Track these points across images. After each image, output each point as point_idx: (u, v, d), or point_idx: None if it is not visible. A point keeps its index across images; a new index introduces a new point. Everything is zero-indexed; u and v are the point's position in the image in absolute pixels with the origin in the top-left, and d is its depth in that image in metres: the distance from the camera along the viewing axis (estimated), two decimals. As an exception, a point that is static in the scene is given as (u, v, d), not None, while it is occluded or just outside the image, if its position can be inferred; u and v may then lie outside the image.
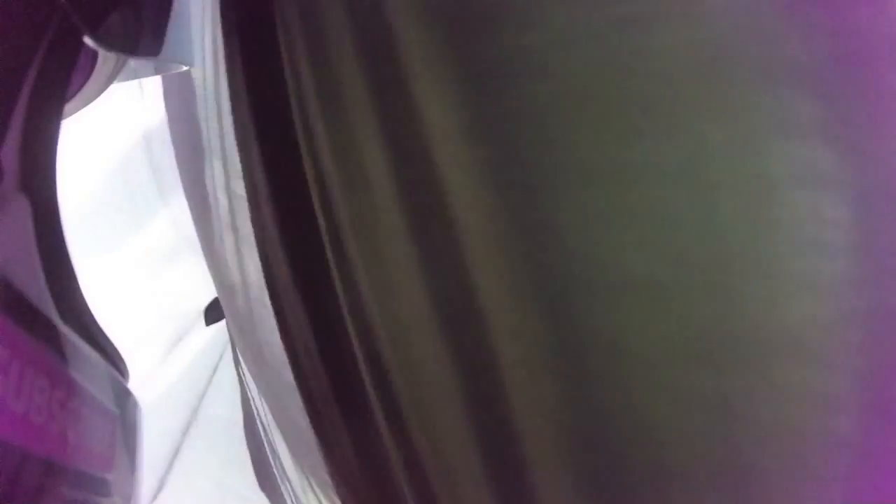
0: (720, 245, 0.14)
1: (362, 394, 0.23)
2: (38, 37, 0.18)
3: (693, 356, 0.14)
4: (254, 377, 0.32)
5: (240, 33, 0.24)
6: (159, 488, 0.56)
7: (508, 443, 0.16)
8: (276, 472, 0.28)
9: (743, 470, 0.14)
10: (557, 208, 0.14)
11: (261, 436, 0.38)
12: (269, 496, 0.47)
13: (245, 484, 0.49)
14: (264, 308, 0.26)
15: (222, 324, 0.53)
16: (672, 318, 0.14)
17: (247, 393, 0.47)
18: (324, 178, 0.21)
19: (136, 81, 0.26)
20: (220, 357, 0.60)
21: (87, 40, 0.20)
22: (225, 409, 0.58)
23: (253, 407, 0.39)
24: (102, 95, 0.24)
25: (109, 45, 0.21)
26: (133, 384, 0.19)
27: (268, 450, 0.29)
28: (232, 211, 0.28)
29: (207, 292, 0.52)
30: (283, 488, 0.28)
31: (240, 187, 0.26)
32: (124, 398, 0.18)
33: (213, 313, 0.52)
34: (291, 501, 0.28)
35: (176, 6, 0.24)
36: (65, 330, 0.16)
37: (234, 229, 0.28)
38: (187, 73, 0.32)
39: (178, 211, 0.52)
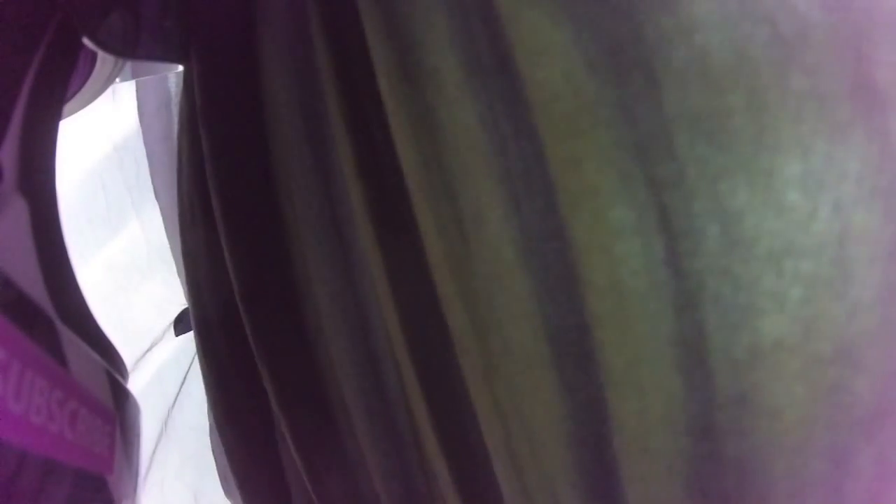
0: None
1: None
2: (37, 37, 0.18)
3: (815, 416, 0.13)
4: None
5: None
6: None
7: (612, 487, 0.15)
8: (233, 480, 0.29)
9: None
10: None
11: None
12: (234, 501, 0.47)
13: (218, 491, 0.49)
14: None
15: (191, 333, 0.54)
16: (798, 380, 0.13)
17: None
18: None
19: (109, 92, 0.27)
20: (190, 366, 0.60)
21: (86, 42, 0.20)
22: (195, 416, 0.58)
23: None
24: (75, 113, 0.24)
25: (108, 46, 0.21)
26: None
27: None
28: None
29: (180, 304, 0.52)
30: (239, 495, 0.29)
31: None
32: (123, 399, 0.18)
33: (182, 324, 0.52)
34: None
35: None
36: (64, 330, 0.16)
37: None
38: (164, 84, 0.32)
39: (151, 223, 0.52)
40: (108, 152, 0.53)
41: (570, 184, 0.14)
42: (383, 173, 0.18)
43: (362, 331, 0.20)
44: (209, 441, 0.51)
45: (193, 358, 0.60)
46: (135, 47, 0.22)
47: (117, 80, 0.24)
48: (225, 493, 0.49)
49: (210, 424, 0.50)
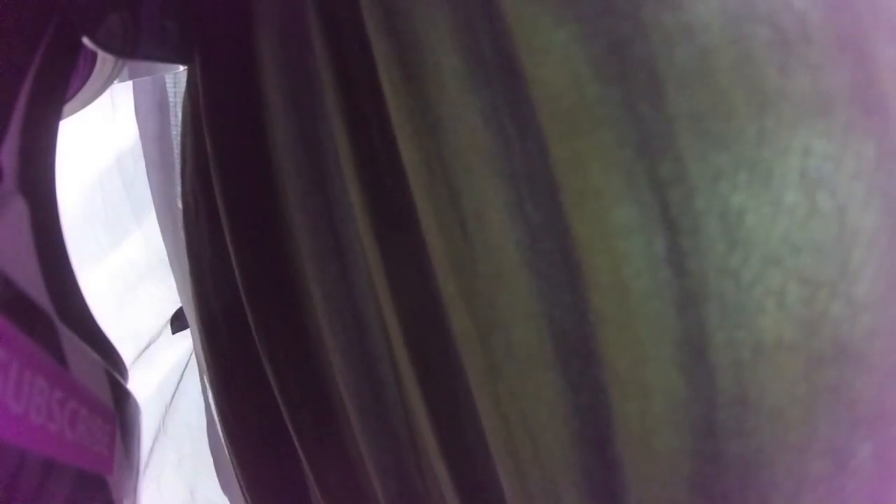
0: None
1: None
2: (37, 37, 0.18)
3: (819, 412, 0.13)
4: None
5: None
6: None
7: (614, 487, 0.15)
8: (235, 473, 0.29)
9: None
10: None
11: (221, 439, 0.39)
12: (231, 498, 0.47)
13: (214, 489, 0.49)
14: None
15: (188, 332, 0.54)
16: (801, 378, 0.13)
17: (208, 398, 0.48)
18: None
19: (108, 100, 0.27)
20: (186, 365, 0.60)
21: (86, 42, 0.20)
22: (192, 414, 0.58)
23: (213, 411, 0.39)
24: (75, 113, 0.24)
25: (108, 46, 0.21)
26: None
27: (227, 453, 0.29)
28: None
29: (177, 302, 0.52)
30: (240, 490, 0.29)
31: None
32: (124, 398, 0.18)
33: (178, 322, 0.52)
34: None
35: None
36: (64, 330, 0.16)
37: None
38: (159, 84, 0.33)
39: (149, 223, 0.52)
40: (108, 154, 0.53)
41: (573, 183, 0.14)
42: (382, 172, 0.18)
43: (358, 330, 0.20)
44: (205, 438, 0.51)
45: (190, 356, 0.60)
46: (135, 47, 0.22)
47: (115, 80, 0.24)
48: (222, 488, 0.49)
49: (207, 422, 0.50)
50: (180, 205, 0.30)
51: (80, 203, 0.54)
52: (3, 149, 0.16)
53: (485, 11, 0.14)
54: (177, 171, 0.33)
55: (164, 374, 0.60)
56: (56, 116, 0.19)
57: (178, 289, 0.36)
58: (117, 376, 0.18)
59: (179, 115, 0.31)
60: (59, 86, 0.20)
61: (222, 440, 0.31)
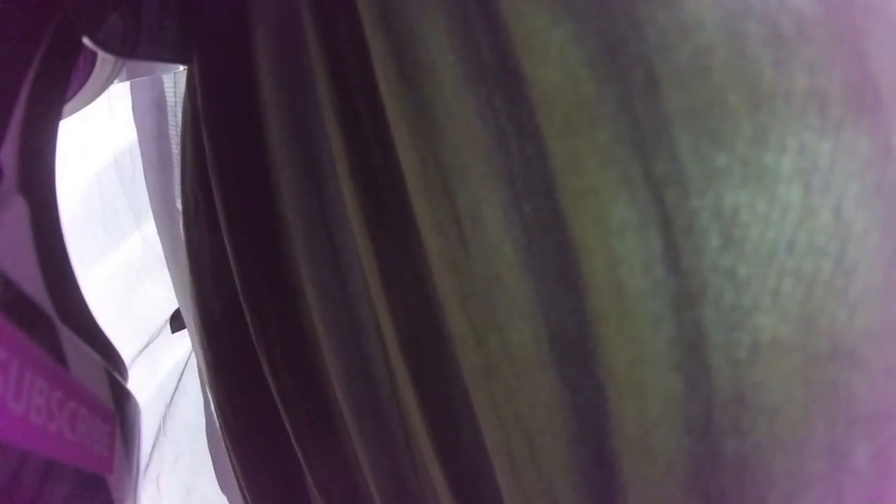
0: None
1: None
2: (37, 37, 0.18)
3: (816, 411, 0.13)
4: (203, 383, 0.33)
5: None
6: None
7: (611, 488, 0.15)
8: (234, 472, 0.29)
9: None
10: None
11: (220, 438, 0.39)
12: (229, 497, 0.47)
13: (212, 488, 0.49)
14: None
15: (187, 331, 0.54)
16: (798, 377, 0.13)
17: (207, 397, 0.48)
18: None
19: (105, 100, 0.27)
20: (185, 364, 0.60)
21: (86, 42, 0.20)
22: (190, 414, 0.58)
23: (212, 410, 0.40)
24: (75, 113, 0.24)
25: (108, 46, 0.21)
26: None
27: (226, 451, 0.29)
28: None
29: (176, 302, 0.52)
30: (239, 489, 0.29)
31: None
32: (124, 398, 0.18)
33: (177, 321, 0.52)
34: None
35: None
36: (64, 330, 0.16)
37: None
38: (156, 83, 0.33)
39: (147, 222, 0.52)
40: (106, 154, 0.53)
41: (570, 182, 0.14)
42: (377, 172, 0.18)
43: (353, 331, 0.20)
44: (204, 438, 0.51)
45: (190, 355, 0.60)
46: (135, 47, 0.22)
47: (115, 80, 0.24)
48: (220, 488, 0.49)
49: (206, 422, 0.50)
50: (179, 205, 0.30)
51: (79, 203, 0.54)
52: (3, 149, 0.16)
53: (482, 9, 0.14)
54: (175, 172, 0.33)
55: (164, 374, 0.60)
56: (56, 116, 0.19)
57: (175, 289, 0.36)
58: (117, 376, 0.18)
59: (179, 115, 0.31)
60: (59, 86, 0.20)
61: (221, 439, 0.31)
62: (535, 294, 0.14)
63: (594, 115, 0.13)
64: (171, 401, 0.60)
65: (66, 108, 0.21)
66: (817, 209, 0.13)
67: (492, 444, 0.16)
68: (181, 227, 0.29)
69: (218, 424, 0.30)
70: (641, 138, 0.13)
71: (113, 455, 0.16)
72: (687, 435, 0.14)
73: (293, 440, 0.24)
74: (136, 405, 0.19)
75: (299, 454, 0.24)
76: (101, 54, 0.21)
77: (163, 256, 0.38)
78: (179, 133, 0.30)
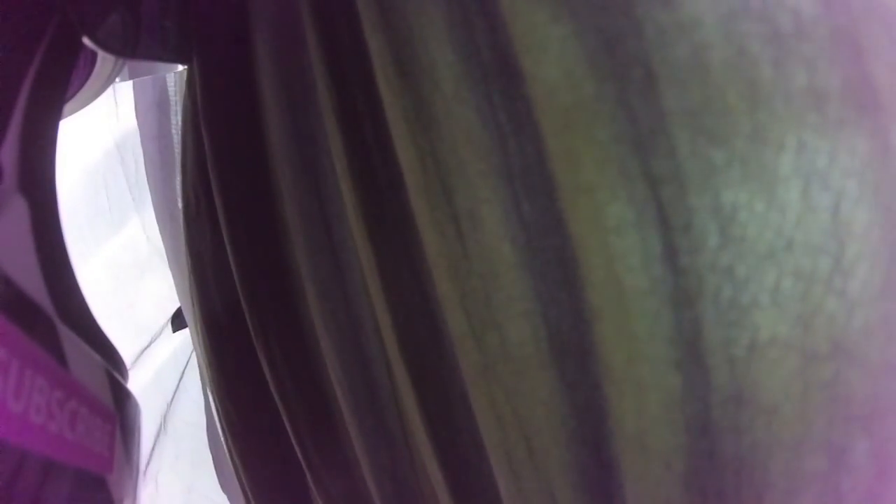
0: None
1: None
2: (37, 37, 0.18)
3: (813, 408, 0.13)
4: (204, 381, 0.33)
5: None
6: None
7: (610, 486, 0.15)
8: (236, 467, 0.29)
9: None
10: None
11: (220, 437, 0.39)
12: (229, 496, 0.47)
13: (213, 486, 0.49)
14: None
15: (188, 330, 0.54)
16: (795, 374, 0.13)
17: (208, 396, 0.48)
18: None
19: (110, 94, 0.27)
20: (187, 363, 0.61)
21: (86, 42, 0.20)
22: (191, 412, 0.58)
23: (213, 409, 0.40)
24: (76, 112, 0.24)
25: (108, 46, 0.21)
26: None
27: (228, 449, 0.29)
28: None
29: (178, 301, 0.52)
30: (241, 487, 0.29)
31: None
32: (124, 398, 0.18)
33: (179, 320, 0.52)
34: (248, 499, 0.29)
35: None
36: (64, 329, 0.16)
37: None
38: (159, 82, 0.33)
39: (151, 220, 0.52)
40: (110, 150, 0.53)
41: (568, 179, 0.14)
42: (375, 170, 0.18)
43: (352, 329, 0.20)
44: (205, 437, 0.51)
45: (191, 354, 0.60)
46: (135, 47, 0.22)
47: (116, 79, 0.24)
48: (221, 486, 0.49)
49: (207, 422, 0.50)
50: (180, 203, 0.30)
51: (82, 199, 0.54)
52: (3, 149, 0.16)
53: (481, 7, 0.14)
54: (177, 170, 0.33)
55: (166, 372, 0.60)
56: (56, 116, 0.19)
57: (177, 287, 0.36)
58: (117, 376, 0.18)
59: (178, 112, 0.31)
60: (60, 86, 0.20)
61: (222, 436, 0.31)
62: (533, 292, 0.14)
63: (592, 112, 0.13)
64: (172, 399, 0.60)
65: (66, 107, 0.21)
66: (816, 207, 0.13)
67: (490, 443, 0.16)
68: (181, 224, 0.29)
69: (219, 423, 0.30)
70: (639, 136, 0.13)
71: (113, 455, 0.16)
72: (685, 433, 0.14)
73: (293, 439, 0.24)
74: (136, 405, 0.19)
75: (298, 453, 0.24)
76: (101, 54, 0.21)
77: (165, 256, 0.38)
78: (179, 132, 0.30)
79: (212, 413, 0.49)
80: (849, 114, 0.13)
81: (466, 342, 0.16)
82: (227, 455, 0.29)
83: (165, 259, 0.38)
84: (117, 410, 0.17)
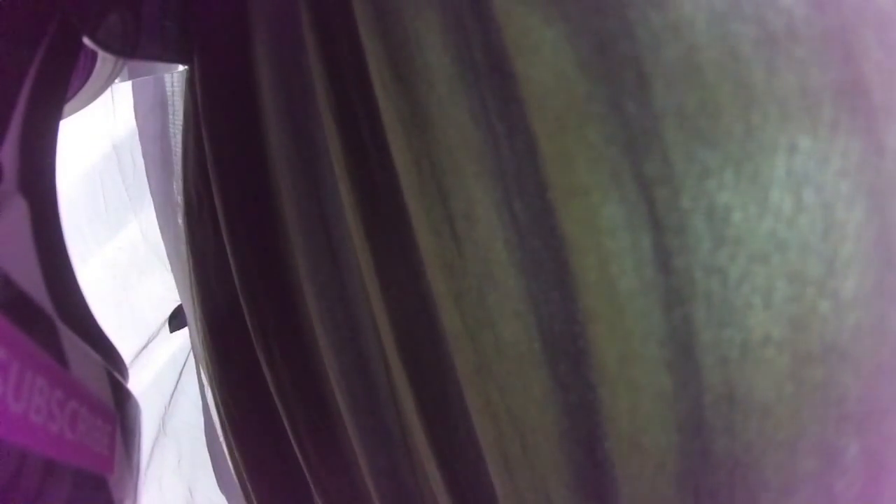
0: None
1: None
2: (37, 37, 0.18)
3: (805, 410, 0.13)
4: (208, 380, 0.33)
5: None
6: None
7: (605, 486, 0.15)
8: (233, 471, 0.29)
9: None
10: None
11: (219, 437, 0.39)
12: (228, 498, 0.47)
13: (214, 488, 0.49)
14: None
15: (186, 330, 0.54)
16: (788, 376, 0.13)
17: (206, 397, 0.48)
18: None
19: (108, 94, 0.27)
20: (185, 363, 0.61)
21: (87, 42, 0.20)
22: (191, 413, 0.58)
23: (211, 409, 0.40)
24: (76, 112, 0.24)
25: (108, 46, 0.21)
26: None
27: (226, 450, 0.29)
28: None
29: (176, 300, 0.52)
30: (241, 486, 0.29)
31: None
32: (124, 398, 0.18)
33: (176, 320, 0.52)
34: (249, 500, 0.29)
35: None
36: (64, 330, 0.16)
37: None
38: (159, 83, 0.33)
39: (148, 221, 0.52)
40: (107, 151, 0.53)
41: (561, 181, 0.14)
42: (373, 171, 0.18)
43: (350, 329, 0.21)
44: (203, 438, 0.51)
45: (189, 355, 0.60)
46: (135, 47, 0.22)
47: (116, 79, 0.24)
48: (219, 487, 0.49)
49: (205, 422, 0.50)
50: (181, 203, 0.30)
51: (79, 200, 0.54)
52: (3, 149, 0.16)
53: (474, 10, 0.14)
54: (177, 170, 0.33)
55: (164, 373, 0.60)
56: (56, 116, 0.19)
57: (178, 286, 0.36)
58: (118, 376, 0.18)
59: (177, 112, 0.31)
60: (60, 86, 0.20)
61: (220, 437, 0.31)
62: (526, 292, 0.14)
63: (585, 114, 0.13)
64: (170, 400, 0.60)
65: (67, 107, 0.21)
66: (809, 209, 0.13)
67: (486, 442, 0.17)
68: (182, 224, 0.29)
69: (219, 422, 0.30)
70: (632, 138, 0.13)
71: (113, 455, 0.16)
72: (678, 433, 0.14)
73: (292, 439, 0.24)
74: (136, 405, 0.19)
75: (298, 453, 0.24)
76: (101, 54, 0.21)
77: (163, 256, 0.38)
78: (179, 131, 0.30)
79: (210, 414, 0.49)
80: (841, 115, 0.13)
81: (462, 341, 0.16)
82: (228, 454, 0.29)
83: (162, 259, 0.38)
84: (118, 410, 0.17)
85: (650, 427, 0.14)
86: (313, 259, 0.21)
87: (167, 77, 0.34)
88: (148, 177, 0.38)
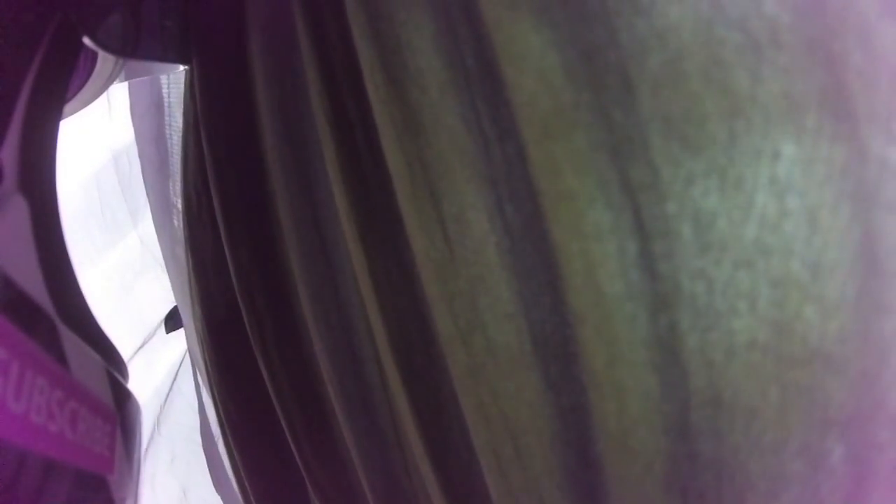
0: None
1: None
2: (37, 37, 0.18)
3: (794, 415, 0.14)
4: (206, 380, 0.33)
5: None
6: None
7: (596, 487, 0.15)
8: (232, 472, 0.29)
9: None
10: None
11: (214, 438, 0.39)
12: (224, 498, 0.47)
13: (208, 488, 0.49)
14: None
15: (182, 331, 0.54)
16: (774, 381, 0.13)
17: (202, 397, 0.48)
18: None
19: (104, 99, 0.27)
20: (181, 364, 0.61)
21: (87, 42, 0.20)
22: (185, 413, 0.58)
23: (209, 410, 0.40)
24: (75, 113, 0.24)
25: (108, 46, 0.21)
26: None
27: (224, 451, 0.30)
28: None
29: (172, 301, 0.52)
30: (240, 486, 0.29)
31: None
32: (124, 398, 0.18)
33: (172, 321, 0.52)
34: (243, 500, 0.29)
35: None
36: (64, 330, 0.16)
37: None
38: (155, 85, 0.33)
39: (145, 222, 0.52)
40: (104, 154, 0.53)
41: (549, 186, 0.14)
42: (366, 175, 0.18)
43: (345, 332, 0.21)
44: (198, 438, 0.51)
45: (184, 355, 0.60)
46: (135, 47, 0.22)
47: (115, 80, 0.24)
48: (215, 487, 0.49)
49: (200, 422, 0.50)
50: (179, 204, 0.30)
51: (76, 202, 0.54)
52: (3, 149, 0.16)
53: (466, 17, 0.14)
54: (174, 171, 0.33)
55: (159, 374, 0.60)
56: (56, 116, 0.19)
57: (174, 288, 0.36)
58: (118, 376, 0.18)
59: (173, 113, 0.31)
60: (60, 86, 0.20)
61: (221, 436, 0.31)
62: (517, 295, 0.15)
63: (571, 120, 0.13)
64: (165, 401, 0.60)
65: (66, 108, 0.21)
66: (793, 215, 0.13)
67: (479, 443, 0.17)
68: (179, 225, 0.29)
69: (218, 422, 0.30)
70: (617, 144, 0.13)
71: (114, 455, 0.16)
72: (665, 435, 0.14)
73: (289, 439, 0.24)
74: (136, 405, 0.19)
75: (295, 453, 0.24)
76: (101, 54, 0.21)
77: (159, 257, 0.38)
78: (176, 132, 0.30)
79: (206, 414, 0.49)
80: (825, 122, 0.13)
81: (454, 343, 0.16)
82: (227, 454, 0.29)
83: (159, 261, 0.38)
84: (118, 410, 0.17)
85: (638, 429, 0.14)
86: (307, 261, 0.21)
87: (163, 78, 0.34)
88: (144, 178, 0.38)
